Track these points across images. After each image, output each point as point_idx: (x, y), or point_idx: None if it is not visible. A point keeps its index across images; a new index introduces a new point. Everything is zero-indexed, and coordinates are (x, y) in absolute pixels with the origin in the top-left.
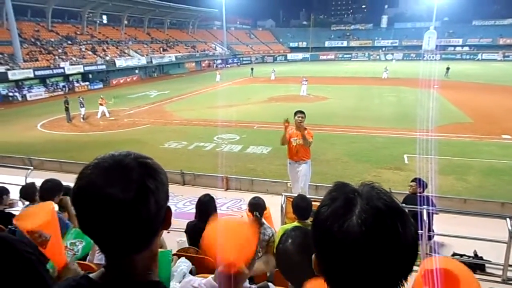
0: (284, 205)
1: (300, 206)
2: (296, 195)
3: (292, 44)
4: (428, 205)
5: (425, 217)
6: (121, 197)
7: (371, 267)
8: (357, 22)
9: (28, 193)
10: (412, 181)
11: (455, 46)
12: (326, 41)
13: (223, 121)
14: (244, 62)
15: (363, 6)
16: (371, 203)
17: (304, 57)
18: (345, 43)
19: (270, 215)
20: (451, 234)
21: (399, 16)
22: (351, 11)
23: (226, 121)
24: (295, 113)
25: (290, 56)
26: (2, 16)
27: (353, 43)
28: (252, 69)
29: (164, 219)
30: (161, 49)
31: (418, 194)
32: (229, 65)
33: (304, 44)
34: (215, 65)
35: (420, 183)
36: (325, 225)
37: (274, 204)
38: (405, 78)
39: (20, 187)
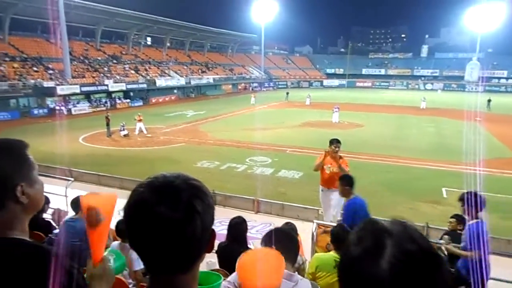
0: (315, 233)
1: (340, 236)
2: (327, 222)
3: (328, 70)
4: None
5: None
6: (169, 216)
7: None
8: (396, 51)
9: (77, 204)
10: (452, 217)
11: (499, 78)
12: (364, 68)
13: (256, 143)
14: (279, 86)
15: (403, 36)
16: (403, 246)
17: (341, 83)
18: (382, 71)
19: (300, 242)
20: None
21: (440, 46)
22: (390, 40)
23: (259, 144)
24: (331, 142)
25: (326, 82)
26: (56, 35)
27: (391, 71)
28: (287, 93)
29: (208, 241)
30: (200, 70)
31: (459, 231)
32: (265, 89)
33: (341, 71)
34: (251, 88)
35: (461, 220)
36: (352, 266)
37: (304, 231)
38: (445, 108)
39: (62, 197)
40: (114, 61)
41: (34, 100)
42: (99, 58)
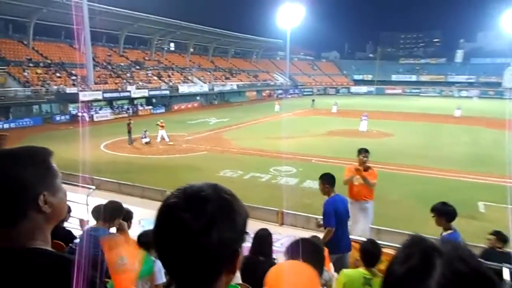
0: None
1: (369, 251)
2: (356, 237)
3: (356, 77)
4: None
5: (508, 277)
6: (189, 224)
7: None
8: (428, 56)
9: (98, 213)
10: (491, 234)
11: None
12: (393, 74)
13: (280, 152)
14: (305, 93)
15: (436, 40)
16: (454, 267)
17: (369, 90)
18: (414, 78)
19: (327, 256)
20: None
21: (477, 51)
22: (422, 44)
23: (284, 153)
24: (359, 151)
25: (353, 89)
26: (80, 40)
27: (423, 78)
28: (313, 100)
29: (230, 261)
30: (224, 77)
31: (498, 250)
32: (290, 96)
33: (369, 77)
34: (275, 95)
35: (501, 237)
36: (398, 285)
37: None
38: (481, 117)
39: (83, 205)
40: (137, 67)
41: (57, 106)
42: (122, 64)
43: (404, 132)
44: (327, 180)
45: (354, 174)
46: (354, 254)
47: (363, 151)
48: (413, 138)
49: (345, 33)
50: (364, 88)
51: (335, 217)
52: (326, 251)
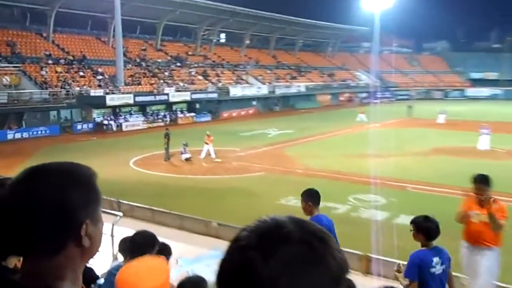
0: None
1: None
2: None
3: (474, 75)
4: None
5: None
6: (257, 267)
7: None
8: None
9: (126, 247)
10: None
11: None
12: None
13: (362, 175)
14: (399, 97)
15: None
16: None
17: (493, 93)
18: None
19: None
20: None
21: None
22: None
23: (368, 177)
24: (476, 179)
25: (470, 91)
26: (110, 32)
27: None
28: (409, 106)
29: None
30: (289, 76)
31: None
32: (378, 100)
33: (493, 76)
34: (358, 99)
35: None
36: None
37: None
38: None
39: (107, 236)
40: (178, 64)
41: (78, 112)
42: (159, 60)
43: None
44: (310, 198)
45: (475, 208)
46: None
47: (481, 179)
48: None
49: (459, 16)
50: (485, 91)
51: None
52: None
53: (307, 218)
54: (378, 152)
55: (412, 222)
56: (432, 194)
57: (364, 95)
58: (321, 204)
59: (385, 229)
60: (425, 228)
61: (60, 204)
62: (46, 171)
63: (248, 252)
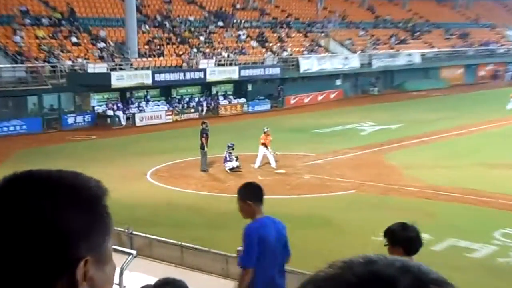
0: None
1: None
2: None
3: None
4: None
5: None
6: None
7: None
8: None
9: None
10: None
11: None
12: None
13: None
14: None
15: None
16: None
17: None
18: None
19: None
20: None
21: None
22: None
23: None
24: None
25: None
26: None
27: None
28: None
29: None
30: (394, 39)
31: None
32: None
33: None
34: (509, 74)
35: None
36: None
37: None
38: None
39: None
40: (220, 24)
41: (70, 98)
42: (191, 19)
43: None
44: (249, 194)
45: None
46: None
47: None
48: None
49: None
50: None
51: (259, 250)
52: None
53: (246, 222)
54: None
55: (386, 232)
56: None
57: None
58: (447, 241)
59: None
60: (405, 240)
61: (48, 229)
62: (29, 182)
63: None
